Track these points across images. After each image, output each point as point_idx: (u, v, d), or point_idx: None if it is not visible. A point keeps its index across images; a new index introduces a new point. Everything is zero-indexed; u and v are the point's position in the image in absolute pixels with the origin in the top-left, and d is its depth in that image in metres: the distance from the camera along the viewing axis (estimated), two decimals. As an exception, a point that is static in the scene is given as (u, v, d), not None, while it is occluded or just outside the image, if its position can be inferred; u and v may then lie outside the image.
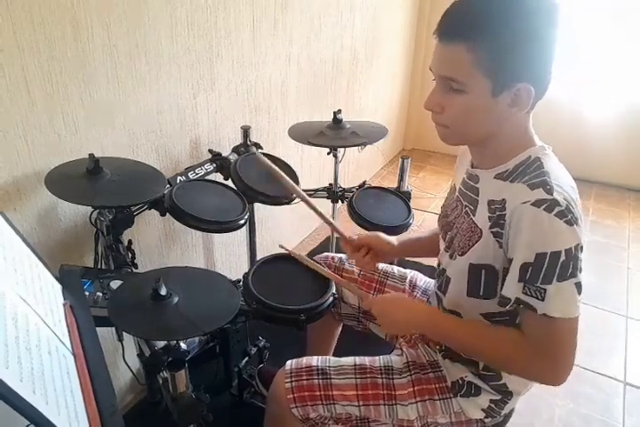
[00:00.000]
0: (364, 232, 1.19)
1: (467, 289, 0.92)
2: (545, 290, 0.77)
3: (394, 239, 1.19)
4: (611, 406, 1.64)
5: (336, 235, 2.02)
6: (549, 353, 0.81)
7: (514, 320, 0.88)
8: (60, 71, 1.11)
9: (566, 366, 0.81)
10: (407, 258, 2.13)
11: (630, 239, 2.57)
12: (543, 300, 0.77)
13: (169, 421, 1.04)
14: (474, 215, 0.91)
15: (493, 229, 0.84)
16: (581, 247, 0.78)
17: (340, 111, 1.61)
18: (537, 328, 0.81)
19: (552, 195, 0.76)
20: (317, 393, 1.01)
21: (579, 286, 0.78)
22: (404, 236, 1.25)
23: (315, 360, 1.06)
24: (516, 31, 0.75)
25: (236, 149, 1.58)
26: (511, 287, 0.81)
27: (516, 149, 0.86)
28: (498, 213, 0.83)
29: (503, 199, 0.83)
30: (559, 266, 0.76)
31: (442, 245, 1.04)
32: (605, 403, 1.65)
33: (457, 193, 1.00)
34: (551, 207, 0.75)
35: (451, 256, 0.97)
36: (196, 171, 1.41)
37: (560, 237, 0.76)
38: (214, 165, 1.47)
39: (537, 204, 0.76)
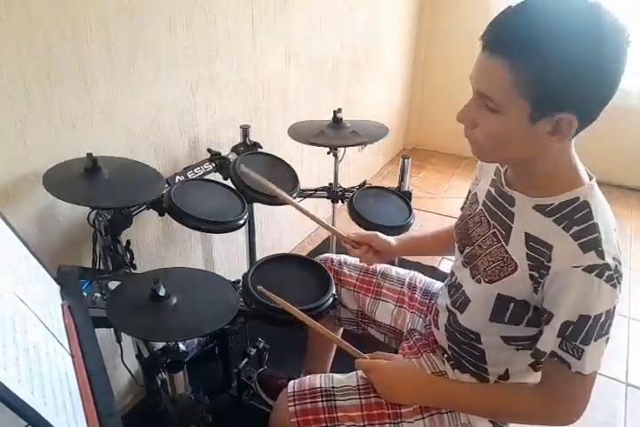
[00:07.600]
0: (363, 232, 1.19)
1: (490, 315, 0.89)
2: (583, 350, 0.76)
3: (392, 239, 1.19)
4: (612, 408, 1.63)
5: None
6: (571, 401, 0.83)
7: (532, 346, 0.85)
8: (58, 70, 1.11)
9: (584, 407, 0.83)
10: (407, 257, 2.13)
11: (632, 239, 2.56)
12: (579, 359, 0.77)
13: (168, 422, 1.04)
14: (506, 243, 0.85)
15: (532, 273, 0.80)
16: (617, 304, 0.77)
17: (340, 110, 1.60)
18: (565, 381, 0.81)
19: (604, 259, 0.74)
20: (322, 416, 0.98)
21: (608, 340, 0.78)
22: (405, 235, 1.24)
23: (318, 381, 1.03)
24: (567, 57, 0.65)
25: (235, 149, 1.57)
26: (549, 342, 0.79)
27: (562, 181, 0.80)
28: (539, 257, 0.79)
29: (548, 244, 0.78)
30: (598, 327, 0.75)
31: (458, 257, 1.00)
32: (607, 404, 1.64)
33: (481, 206, 0.94)
34: (602, 273, 0.73)
35: (473, 277, 0.92)
36: (195, 170, 1.40)
37: (604, 300, 0.74)
38: (213, 164, 1.46)
39: (589, 269, 0.73)
